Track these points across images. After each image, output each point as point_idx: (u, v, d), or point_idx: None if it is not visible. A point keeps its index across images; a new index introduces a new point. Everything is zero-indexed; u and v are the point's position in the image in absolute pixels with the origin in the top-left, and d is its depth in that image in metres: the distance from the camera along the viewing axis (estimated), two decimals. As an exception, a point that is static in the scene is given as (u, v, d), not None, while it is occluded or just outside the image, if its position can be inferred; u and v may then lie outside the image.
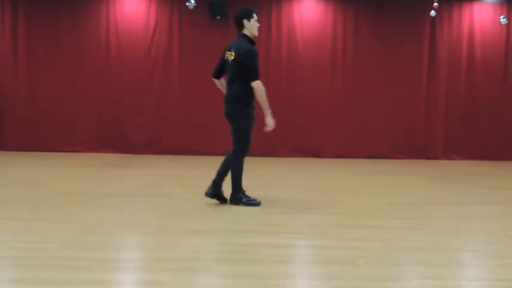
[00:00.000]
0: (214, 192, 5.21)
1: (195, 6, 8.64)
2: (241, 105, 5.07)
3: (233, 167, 5.17)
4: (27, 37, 9.08)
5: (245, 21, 5.08)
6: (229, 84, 5.17)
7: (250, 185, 5.60)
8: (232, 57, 5.04)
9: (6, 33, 9.09)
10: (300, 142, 9.23)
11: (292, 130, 9.14)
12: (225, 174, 5.22)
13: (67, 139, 9.16)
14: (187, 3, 8.63)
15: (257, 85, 4.99)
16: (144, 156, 8.98)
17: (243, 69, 5.00)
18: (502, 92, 9.24)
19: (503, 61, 9.21)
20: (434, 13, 8.46)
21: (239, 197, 5.23)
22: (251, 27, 5.09)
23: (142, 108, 9.14)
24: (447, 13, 9.13)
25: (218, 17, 8.83)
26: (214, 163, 8.44)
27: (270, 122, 5.11)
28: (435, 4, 8.23)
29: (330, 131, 9.20)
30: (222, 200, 5.28)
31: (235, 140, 5.15)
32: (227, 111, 5.18)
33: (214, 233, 4.31)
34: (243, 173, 5.25)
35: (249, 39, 5.11)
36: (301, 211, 5.18)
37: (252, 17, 5.10)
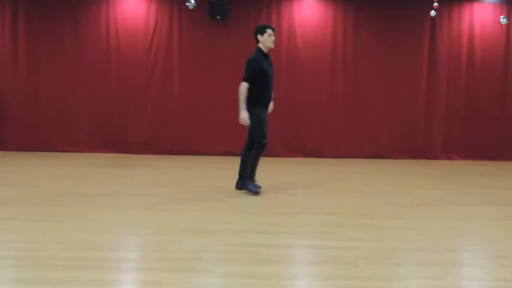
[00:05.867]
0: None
1: (195, 6, 8.63)
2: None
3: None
4: (27, 37, 9.07)
5: (259, 36, 5.69)
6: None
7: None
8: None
9: (6, 34, 9.09)
10: (300, 142, 9.22)
11: (292, 130, 9.14)
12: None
13: (67, 139, 9.16)
14: (187, 3, 8.62)
15: (242, 86, 5.61)
16: (143, 156, 8.99)
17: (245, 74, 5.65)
18: (502, 91, 9.23)
19: (503, 61, 9.20)
20: (434, 13, 8.45)
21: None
22: (264, 41, 5.68)
23: (142, 108, 9.14)
24: (447, 13, 9.12)
25: (218, 17, 8.82)
26: (214, 163, 8.54)
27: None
28: (435, 4, 8.22)
29: (330, 131, 9.19)
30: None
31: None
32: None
33: (214, 233, 4.31)
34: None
35: (261, 52, 5.69)
36: (301, 211, 5.19)
37: (265, 31, 5.67)
